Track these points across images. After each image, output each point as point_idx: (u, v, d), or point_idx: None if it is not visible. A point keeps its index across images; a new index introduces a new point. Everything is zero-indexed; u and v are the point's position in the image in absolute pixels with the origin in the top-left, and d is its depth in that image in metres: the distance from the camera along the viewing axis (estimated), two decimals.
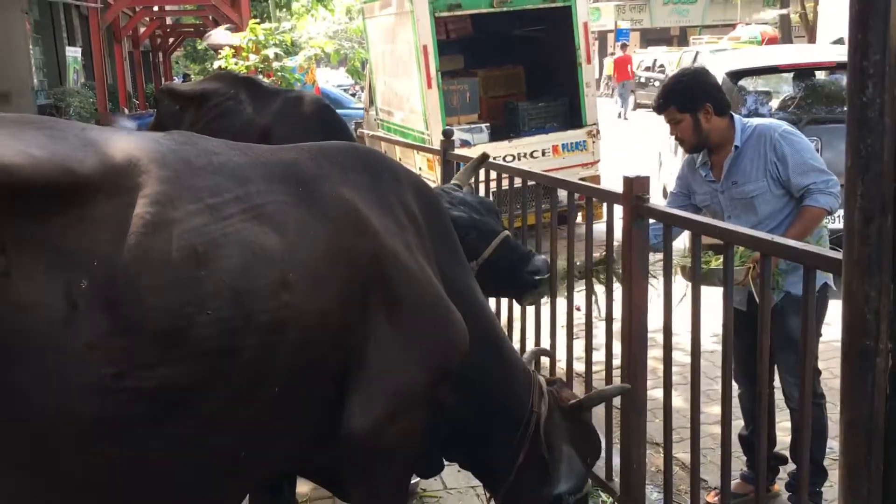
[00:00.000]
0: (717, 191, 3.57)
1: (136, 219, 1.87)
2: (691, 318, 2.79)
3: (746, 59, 9.26)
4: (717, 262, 3.08)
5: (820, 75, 7.87)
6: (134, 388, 1.84)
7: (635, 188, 3.00)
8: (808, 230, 3.34)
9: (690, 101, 3.47)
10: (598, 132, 9.09)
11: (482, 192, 4.76)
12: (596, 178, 9.11)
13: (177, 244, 1.90)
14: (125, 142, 1.99)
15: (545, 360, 4.10)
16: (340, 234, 2.21)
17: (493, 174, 4.59)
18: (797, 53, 10.72)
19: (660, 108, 3.57)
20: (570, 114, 9.25)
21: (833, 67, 7.67)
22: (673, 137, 3.65)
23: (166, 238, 1.89)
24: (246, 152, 2.23)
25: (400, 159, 9.80)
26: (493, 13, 8.84)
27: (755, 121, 3.62)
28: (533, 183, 4.18)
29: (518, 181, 4.21)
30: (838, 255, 2.13)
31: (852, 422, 1.21)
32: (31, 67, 15.34)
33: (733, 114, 3.57)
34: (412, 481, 3.65)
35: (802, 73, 7.82)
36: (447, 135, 5.24)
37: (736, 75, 7.49)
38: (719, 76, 6.76)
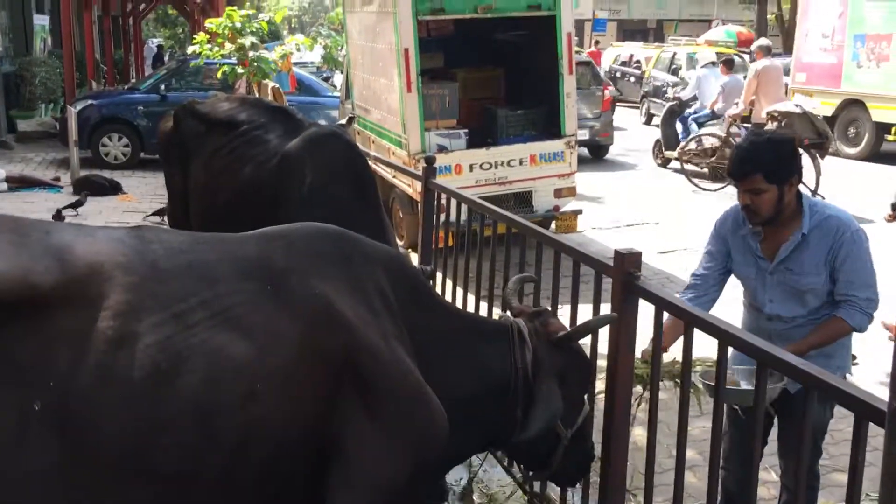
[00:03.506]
0: (764, 270, 3.33)
1: (96, 334, 1.79)
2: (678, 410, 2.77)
3: None
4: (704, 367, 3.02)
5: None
6: None
7: (626, 264, 2.94)
8: (830, 342, 3.24)
9: (782, 171, 3.17)
10: (575, 143, 9.04)
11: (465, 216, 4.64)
12: (572, 190, 9.10)
13: (139, 362, 1.83)
14: (90, 246, 1.91)
15: None
16: (312, 333, 2.14)
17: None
18: None
19: (743, 174, 3.20)
20: (549, 122, 9.19)
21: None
22: (742, 207, 3.28)
23: (128, 355, 1.82)
24: (214, 247, 2.16)
25: (375, 162, 9.66)
26: (477, 18, 8.72)
27: (821, 205, 3.32)
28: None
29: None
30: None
31: None
32: None
33: (800, 190, 3.29)
34: None
35: None
36: (429, 161, 5.13)
37: None
38: None
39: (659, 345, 2.89)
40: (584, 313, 3.38)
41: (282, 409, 2.04)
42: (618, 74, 24.96)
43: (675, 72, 19.19)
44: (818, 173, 10.91)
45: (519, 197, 8.90)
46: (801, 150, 11.67)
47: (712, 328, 2.57)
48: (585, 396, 2.92)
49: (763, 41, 13.49)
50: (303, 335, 2.12)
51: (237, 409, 1.94)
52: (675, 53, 19.85)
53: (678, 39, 25.02)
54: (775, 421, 3.46)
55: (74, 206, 9.74)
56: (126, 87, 15.72)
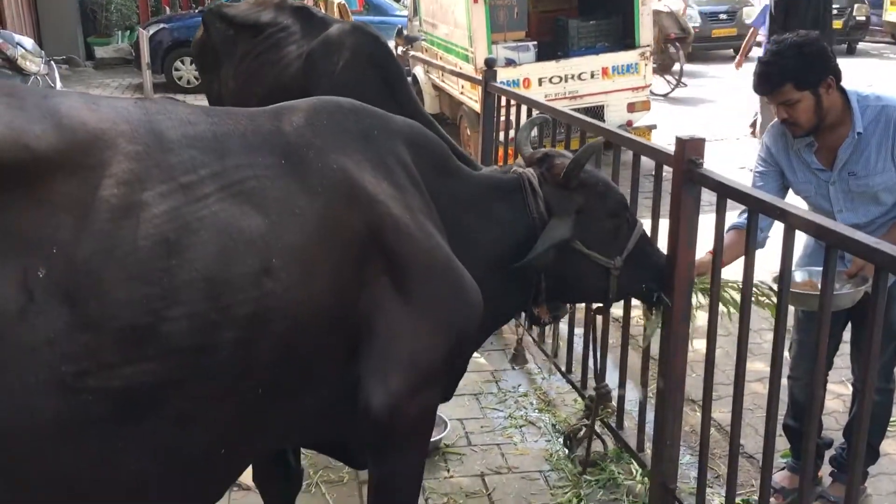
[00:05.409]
0: (825, 181, 3.05)
1: (100, 202, 1.71)
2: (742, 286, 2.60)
3: None
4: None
5: None
6: (97, 387, 1.71)
7: (688, 151, 2.73)
8: None
9: (812, 75, 2.88)
10: (650, 55, 8.63)
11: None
12: (646, 104, 8.74)
13: (145, 231, 1.74)
14: (91, 112, 1.80)
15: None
16: (330, 209, 2.04)
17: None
18: None
19: (771, 86, 2.93)
20: (623, 33, 8.79)
21: None
22: (781, 122, 3.00)
23: (133, 224, 1.73)
24: (225, 120, 2.04)
25: (443, 79, 9.46)
26: None
27: (873, 97, 3.00)
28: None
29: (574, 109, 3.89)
30: None
31: None
32: None
33: (843, 86, 2.98)
34: (435, 438, 3.56)
35: None
36: (489, 64, 4.91)
37: None
38: None
39: (721, 237, 2.68)
40: (646, 211, 3.19)
41: (300, 287, 1.94)
42: None
43: None
44: (682, 64, 12.92)
45: (590, 112, 8.55)
46: (668, 44, 12.49)
47: (777, 211, 2.36)
48: (637, 217, 2.78)
49: None
50: (322, 212, 2.02)
51: (251, 283, 1.86)
52: None
53: None
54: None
55: None
56: (197, 11, 15.76)
